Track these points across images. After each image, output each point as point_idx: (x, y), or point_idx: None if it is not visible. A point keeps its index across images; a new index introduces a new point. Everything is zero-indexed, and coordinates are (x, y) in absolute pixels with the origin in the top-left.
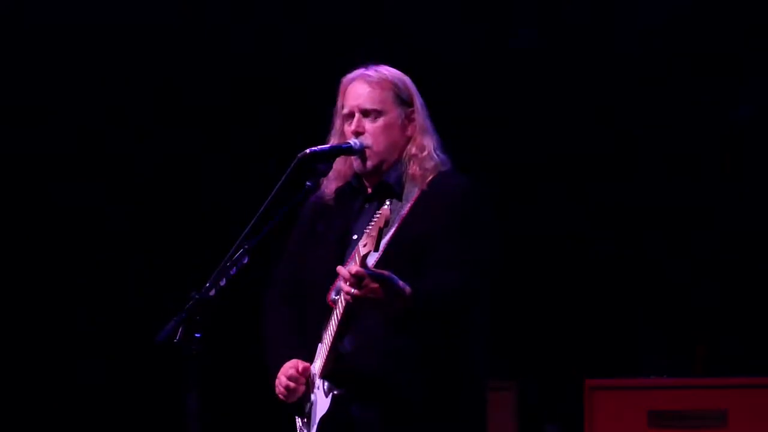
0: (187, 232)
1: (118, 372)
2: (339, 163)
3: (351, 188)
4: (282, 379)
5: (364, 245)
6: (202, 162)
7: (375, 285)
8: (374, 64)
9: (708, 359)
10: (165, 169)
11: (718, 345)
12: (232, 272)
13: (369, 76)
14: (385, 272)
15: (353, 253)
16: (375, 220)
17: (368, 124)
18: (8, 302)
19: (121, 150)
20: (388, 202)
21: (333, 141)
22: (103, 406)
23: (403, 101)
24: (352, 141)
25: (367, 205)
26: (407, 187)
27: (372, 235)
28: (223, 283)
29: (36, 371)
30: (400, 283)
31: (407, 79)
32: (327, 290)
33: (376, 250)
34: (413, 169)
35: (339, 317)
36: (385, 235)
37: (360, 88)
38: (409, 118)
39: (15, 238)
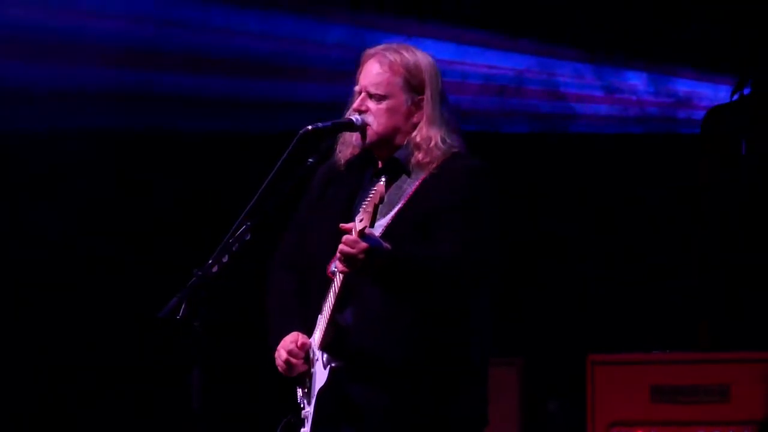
0: (187, 232)
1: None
2: (350, 134)
3: (362, 159)
4: (282, 354)
5: (361, 220)
6: (203, 162)
7: (364, 245)
8: (399, 45)
9: (711, 337)
10: (165, 170)
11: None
12: (234, 248)
13: (384, 56)
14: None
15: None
16: (370, 196)
17: (372, 104)
18: (8, 303)
19: (121, 150)
20: (383, 179)
21: (347, 114)
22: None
23: (413, 88)
24: (354, 117)
25: (374, 179)
26: (415, 169)
27: (368, 211)
28: (225, 259)
29: (35, 371)
30: (384, 244)
31: (426, 66)
32: (327, 262)
33: (371, 226)
34: (418, 157)
35: (337, 290)
36: (382, 214)
37: (371, 69)
38: (417, 106)
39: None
